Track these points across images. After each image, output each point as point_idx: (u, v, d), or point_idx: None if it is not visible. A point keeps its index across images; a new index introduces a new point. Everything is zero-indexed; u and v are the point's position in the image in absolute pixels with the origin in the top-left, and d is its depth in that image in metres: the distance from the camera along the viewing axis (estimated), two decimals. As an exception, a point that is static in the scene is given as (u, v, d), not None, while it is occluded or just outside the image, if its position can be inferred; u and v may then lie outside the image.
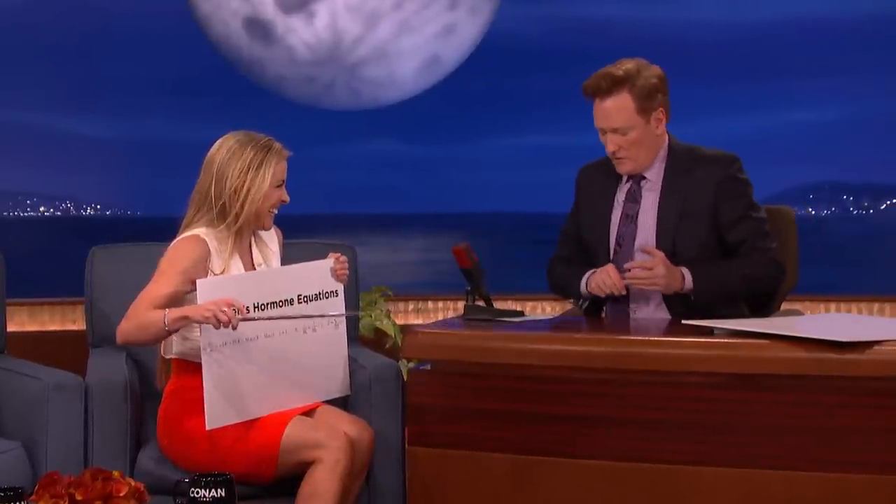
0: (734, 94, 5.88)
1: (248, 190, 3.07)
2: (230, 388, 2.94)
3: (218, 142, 3.13)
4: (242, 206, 3.07)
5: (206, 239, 3.08)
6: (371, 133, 6.06)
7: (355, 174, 6.09)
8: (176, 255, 3.07)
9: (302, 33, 5.88)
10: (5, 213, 6.08)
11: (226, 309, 2.87)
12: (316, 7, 5.85)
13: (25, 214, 6.15)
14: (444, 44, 5.94)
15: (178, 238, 3.11)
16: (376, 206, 6.08)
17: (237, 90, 5.90)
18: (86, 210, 6.16)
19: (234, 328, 2.89)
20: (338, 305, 3.15)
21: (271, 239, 3.28)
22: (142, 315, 2.98)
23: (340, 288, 3.15)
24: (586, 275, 3.25)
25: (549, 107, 5.57)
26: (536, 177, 5.84)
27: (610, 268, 3.19)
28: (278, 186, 3.12)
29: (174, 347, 3.12)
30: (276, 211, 3.16)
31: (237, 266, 3.13)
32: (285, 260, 3.26)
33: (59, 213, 6.17)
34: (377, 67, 5.94)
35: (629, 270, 3.15)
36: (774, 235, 3.27)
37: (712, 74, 5.80)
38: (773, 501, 2.70)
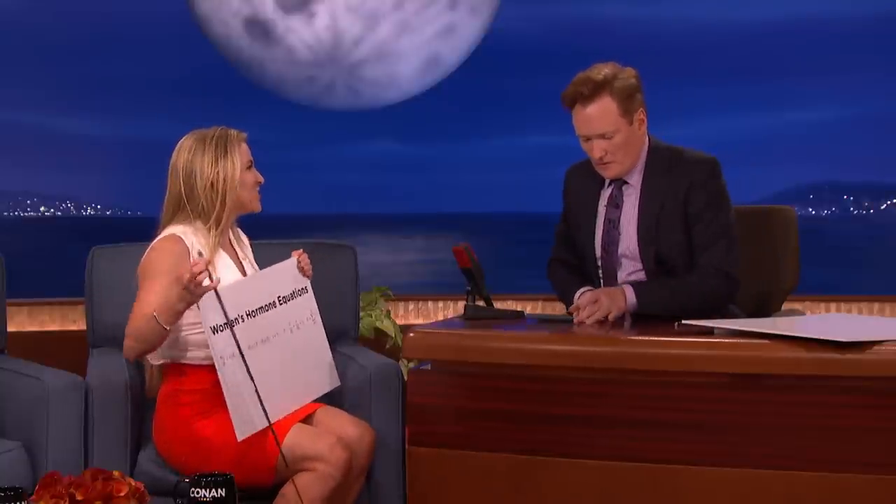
0: (735, 93, 5.89)
1: (224, 179, 3.07)
2: (248, 397, 2.91)
3: (175, 149, 3.13)
4: (224, 197, 3.07)
5: (183, 236, 3.06)
6: (371, 133, 6.07)
7: (355, 174, 6.10)
8: (155, 259, 3.04)
9: (302, 33, 5.89)
10: (5, 213, 6.09)
11: (187, 275, 2.82)
12: (316, 7, 5.86)
13: (25, 214, 6.16)
14: (444, 44, 5.94)
15: (154, 241, 3.10)
16: (376, 206, 6.09)
17: (237, 90, 5.91)
18: (86, 210, 6.17)
19: (203, 277, 2.83)
20: (309, 302, 3.15)
21: (241, 235, 3.28)
22: (137, 327, 2.96)
23: (308, 284, 3.14)
24: (577, 294, 3.25)
25: (549, 107, 5.55)
26: (536, 177, 5.85)
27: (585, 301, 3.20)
28: (249, 168, 3.13)
29: (161, 352, 3.10)
30: (258, 191, 3.15)
31: (224, 261, 3.12)
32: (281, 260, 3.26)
33: (59, 213, 6.18)
34: (377, 68, 5.95)
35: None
36: (733, 241, 3.15)
37: (713, 74, 5.81)
38: (774, 501, 2.70)
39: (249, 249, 3.28)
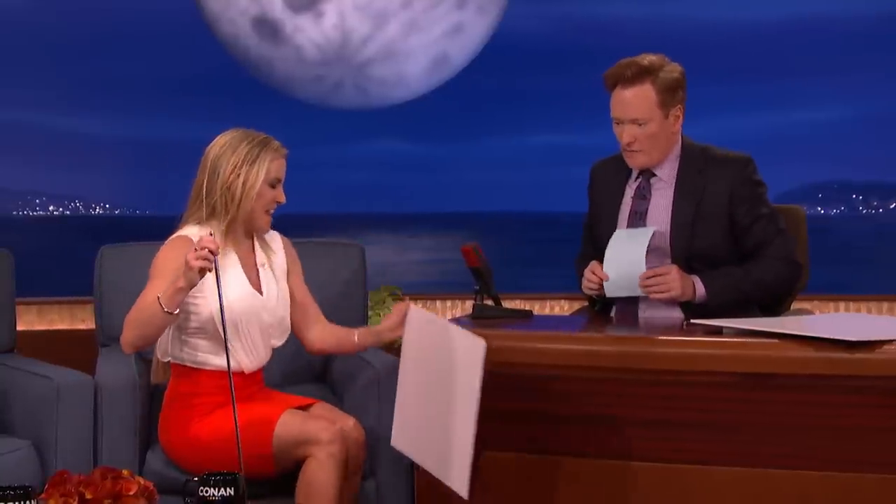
0: (743, 92, 5.87)
1: (241, 186, 3.01)
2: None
3: (216, 138, 3.08)
4: (236, 204, 3.02)
5: (193, 239, 2.99)
6: (379, 132, 6.07)
7: (363, 173, 6.09)
8: (163, 259, 3.00)
9: (310, 32, 5.89)
10: (14, 213, 6.10)
11: (198, 251, 2.79)
12: (324, 6, 5.86)
13: (34, 214, 6.17)
14: (452, 43, 5.94)
15: (167, 241, 3.06)
16: (384, 205, 6.08)
17: (245, 89, 5.91)
18: (94, 209, 6.17)
19: (214, 252, 2.78)
20: None
21: (273, 240, 3.22)
22: (136, 314, 2.91)
23: None
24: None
25: (557, 106, 5.57)
26: (544, 176, 5.84)
27: (593, 265, 3.19)
28: (273, 186, 3.06)
29: (170, 350, 3.10)
30: (271, 211, 3.09)
31: (234, 265, 3.07)
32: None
33: (67, 213, 6.18)
34: (385, 67, 5.95)
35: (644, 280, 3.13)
36: (788, 234, 3.23)
37: (721, 73, 5.79)
38: (783, 501, 2.70)
39: (278, 256, 3.20)
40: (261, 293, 3.09)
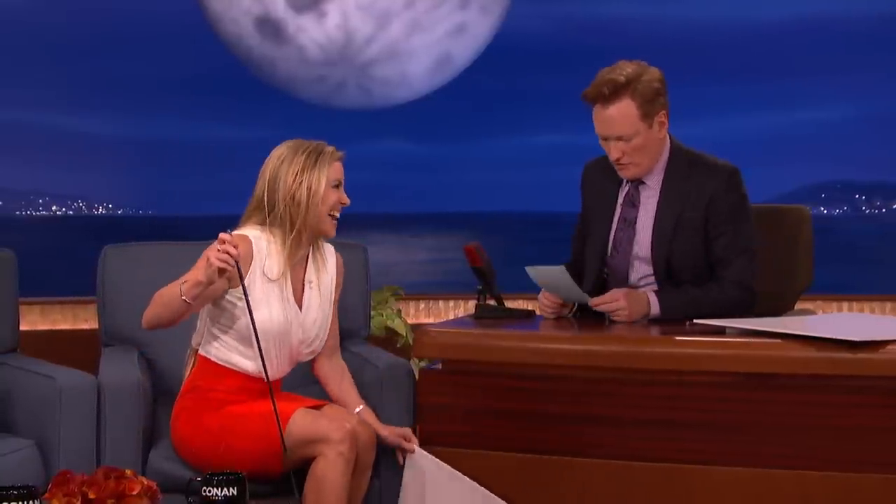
0: (745, 92, 5.87)
1: (306, 192, 3.03)
2: None
3: (271, 152, 3.10)
4: (303, 212, 3.03)
5: (254, 240, 3.03)
6: (382, 132, 6.07)
7: (365, 173, 6.08)
8: None
9: (313, 32, 5.90)
10: (17, 213, 6.11)
11: (218, 249, 2.82)
12: (327, 6, 5.87)
13: (37, 213, 6.18)
14: (455, 43, 5.95)
15: None
16: (387, 205, 6.08)
17: (248, 89, 5.92)
18: (97, 209, 6.18)
19: (234, 256, 2.83)
20: None
21: (329, 255, 3.21)
22: (163, 293, 2.95)
23: None
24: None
25: (560, 106, 5.55)
26: (547, 176, 5.84)
27: (543, 294, 3.19)
28: (335, 187, 3.08)
29: (204, 340, 3.11)
30: (336, 215, 3.10)
31: (283, 278, 3.08)
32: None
33: (70, 213, 6.18)
34: (388, 67, 5.95)
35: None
36: (753, 255, 3.14)
37: (724, 73, 5.79)
38: (785, 501, 2.70)
39: (330, 276, 3.19)
40: (300, 310, 3.10)
